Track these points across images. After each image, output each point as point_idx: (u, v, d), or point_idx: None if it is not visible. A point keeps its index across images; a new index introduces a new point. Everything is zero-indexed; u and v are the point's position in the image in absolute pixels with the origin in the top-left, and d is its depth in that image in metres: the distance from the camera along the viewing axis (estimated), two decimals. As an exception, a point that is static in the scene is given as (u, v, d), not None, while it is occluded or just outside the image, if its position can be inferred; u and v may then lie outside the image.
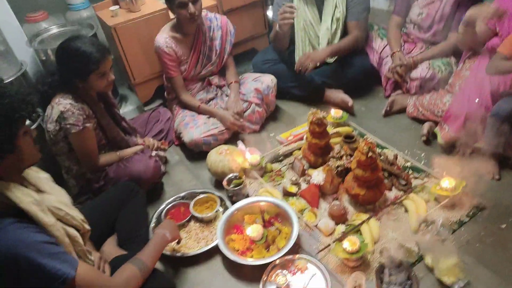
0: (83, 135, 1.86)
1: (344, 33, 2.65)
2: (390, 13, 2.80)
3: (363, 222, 1.74)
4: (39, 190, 1.27)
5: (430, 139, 2.23)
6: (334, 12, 2.58)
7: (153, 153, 2.17)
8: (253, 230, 1.73)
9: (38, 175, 1.34)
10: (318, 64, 2.73)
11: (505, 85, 1.93)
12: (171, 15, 2.46)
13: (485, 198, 1.84)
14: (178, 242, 1.71)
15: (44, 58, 2.67)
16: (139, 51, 2.65)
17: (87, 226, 1.35)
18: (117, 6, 2.65)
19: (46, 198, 1.23)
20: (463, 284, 1.49)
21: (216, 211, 1.92)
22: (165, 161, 2.35)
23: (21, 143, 1.15)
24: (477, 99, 1.95)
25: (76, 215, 1.30)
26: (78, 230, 1.30)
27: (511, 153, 1.93)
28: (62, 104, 1.81)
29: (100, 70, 1.82)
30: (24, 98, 1.14)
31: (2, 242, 1.05)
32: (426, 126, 2.25)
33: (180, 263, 1.75)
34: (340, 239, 1.69)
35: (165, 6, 2.48)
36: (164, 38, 2.39)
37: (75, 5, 3.00)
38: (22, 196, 1.14)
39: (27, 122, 1.22)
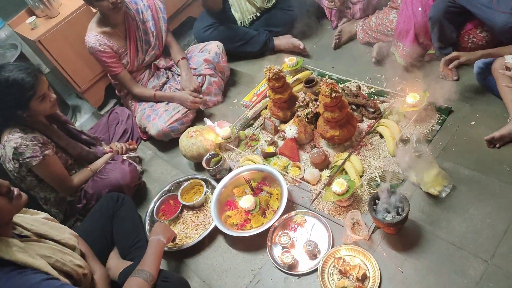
0: (46, 164, 1.78)
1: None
2: None
3: (345, 161, 1.79)
4: (37, 234, 1.26)
5: (381, 60, 2.22)
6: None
7: (125, 156, 2.12)
8: (245, 201, 1.75)
9: (35, 217, 1.32)
10: (258, 15, 2.65)
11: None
12: (94, 9, 2.29)
13: (450, 101, 1.89)
14: (174, 239, 1.73)
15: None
16: (74, 57, 2.49)
17: (82, 271, 1.32)
18: (33, 17, 2.44)
19: (35, 246, 1.22)
20: (449, 189, 1.57)
21: (205, 194, 1.93)
22: (139, 160, 2.30)
23: None
24: (420, 8, 1.94)
25: (70, 260, 1.28)
26: (71, 276, 1.28)
27: (462, 50, 1.97)
28: (12, 140, 1.71)
29: (38, 94, 1.71)
30: None
31: None
32: (375, 48, 2.24)
33: (186, 255, 1.78)
34: (328, 184, 1.74)
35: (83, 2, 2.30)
36: (94, 36, 2.23)
37: (-11, 27, 2.76)
38: (6, 248, 1.13)
39: None
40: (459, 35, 1.95)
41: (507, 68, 1.60)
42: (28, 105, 1.71)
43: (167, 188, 2.05)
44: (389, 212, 1.48)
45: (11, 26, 2.58)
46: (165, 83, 2.48)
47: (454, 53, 1.80)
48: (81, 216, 2.03)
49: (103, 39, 2.24)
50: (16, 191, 1.17)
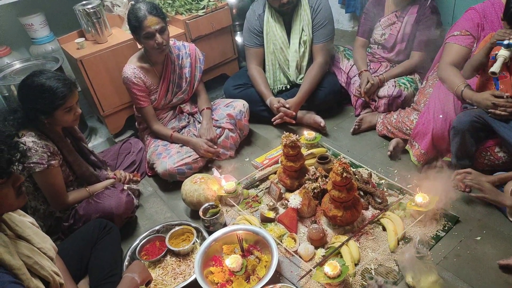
0: (48, 174, 1.78)
1: (312, 55, 2.70)
2: (354, 34, 2.90)
3: (343, 244, 1.73)
4: (18, 235, 1.23)
5: (396, 155, 2.27)
6: (301, 35, 2.64)
7: (125, 186, 2.10)
8: (232, 261, 1.68)
9: (22, 219, 1.31)
10: (288, 87, 2.77)
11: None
12: (139, 45, 2.45)
13: (458, 211, 1.87)
14: (148, 283, 1.64)
15: (6, 94, 2.58)
16: (107, 82, 2.61)
17: (58, 279, 1.27)
18: (82, 39, 2.61)
19: (18, 244, 1.20)
20: (445, 301, 1.49)
21: (193, 243, 1.86)
22: (138, 194, 2.28)
23: None
24: (441, 115, 2.01)
25: (48, 266, 1.24)
26: (48, 283, 1.23)
27: (478, 165, 1.98)
28: (24, 142, 1.73)
29: (66, 105, 1.77)
30: None
31: None
32: (393, 142, 2.29)
33: (157, 302, 1.68)
34: (320, 264, 1.67)
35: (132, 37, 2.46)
36: (132, 68, 2.35)
37: (39, 38, 2.94)
38: None
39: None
40: (477, 149, 1.98)
41: None
42: (53, 113, 1.76)
43: (157, 228, 1.99)
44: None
45: (60, 42, 2.74)
46: (184, 127, 2.53)
47: (468, 170, 1.81)
48: (63, 236, 1.97)
49: (139, 73, 2.35)
50: (24, 189, 1.17)
